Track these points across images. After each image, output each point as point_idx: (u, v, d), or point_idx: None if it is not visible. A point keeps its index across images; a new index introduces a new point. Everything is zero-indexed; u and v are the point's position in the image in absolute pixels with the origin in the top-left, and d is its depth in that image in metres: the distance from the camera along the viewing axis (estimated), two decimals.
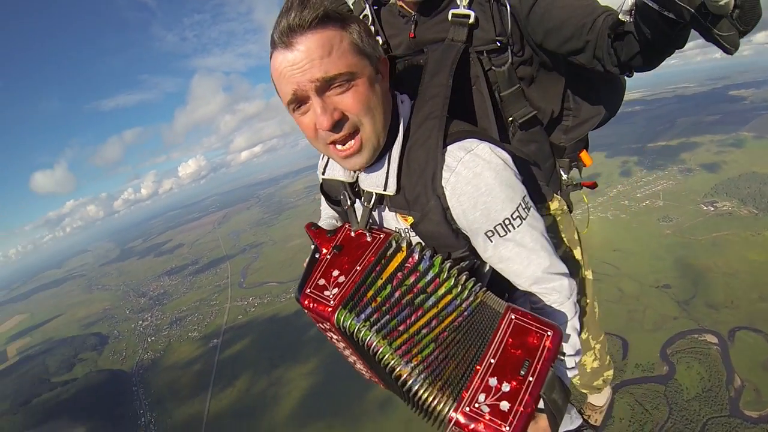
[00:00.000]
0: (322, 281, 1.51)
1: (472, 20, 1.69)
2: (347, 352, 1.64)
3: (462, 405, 1.24)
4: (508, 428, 1.17)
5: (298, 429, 47.45)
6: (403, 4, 1.84)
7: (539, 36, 1.65)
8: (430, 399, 1.33)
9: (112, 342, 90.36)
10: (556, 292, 1.52)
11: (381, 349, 1.41)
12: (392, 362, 1.40)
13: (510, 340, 1.30)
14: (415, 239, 1.54)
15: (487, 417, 1.20)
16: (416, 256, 1.47)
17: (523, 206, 1.43)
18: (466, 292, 1.43)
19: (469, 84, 1.72)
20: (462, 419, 1.23)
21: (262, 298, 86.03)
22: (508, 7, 1.67)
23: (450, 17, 1.73)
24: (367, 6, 1.94)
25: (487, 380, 1.25)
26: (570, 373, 1.56)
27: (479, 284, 1.45)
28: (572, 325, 1.55)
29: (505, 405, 1.20)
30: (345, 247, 1.57)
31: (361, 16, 1.94)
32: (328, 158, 1.66)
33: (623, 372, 42.55)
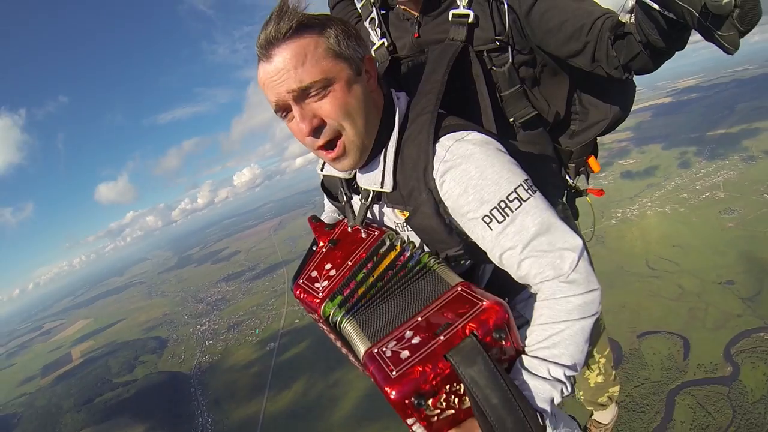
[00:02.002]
0: (314, 273, 1.56)
1: (471, 19, 1.70)
2: (338, 344, 1.64)
3: (372, 347, 1.25)
4: (395, 373, 1.14)
5: (354, 430, 47.67)
6: (406, 8, 1.87)
7: (538, 37, 1.65)
8: (353, 336, 1.37)
9: (171, 345, 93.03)
10: (549, 268, 1.27)
11: None
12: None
13: (446, 305, 1.27)
14: (412, 236, 1.53)
15: (383, 361, 1.19)
16: (407, 254, 1.46)
17: (525, 188, 1.31)
18: (424, 258, 1.45)
19: (470, 83, 1.69)
20: (365, 359, 1.24)
21: None
22: (506, 6, 1.68)
23: (450, 17, 1.74)
24: (374, 9, 1.98)
25: (404, 332, 1.24)
26: (552, 388, 1.24)
27: (436, 257, 1.46)
28: (581, 326, 1.26)
29: (405, 354, 1.17)
30: (340, 242, 1.61)
31: (368, 20, 1.99)
32: None
33: (684, 373, 40.82)
